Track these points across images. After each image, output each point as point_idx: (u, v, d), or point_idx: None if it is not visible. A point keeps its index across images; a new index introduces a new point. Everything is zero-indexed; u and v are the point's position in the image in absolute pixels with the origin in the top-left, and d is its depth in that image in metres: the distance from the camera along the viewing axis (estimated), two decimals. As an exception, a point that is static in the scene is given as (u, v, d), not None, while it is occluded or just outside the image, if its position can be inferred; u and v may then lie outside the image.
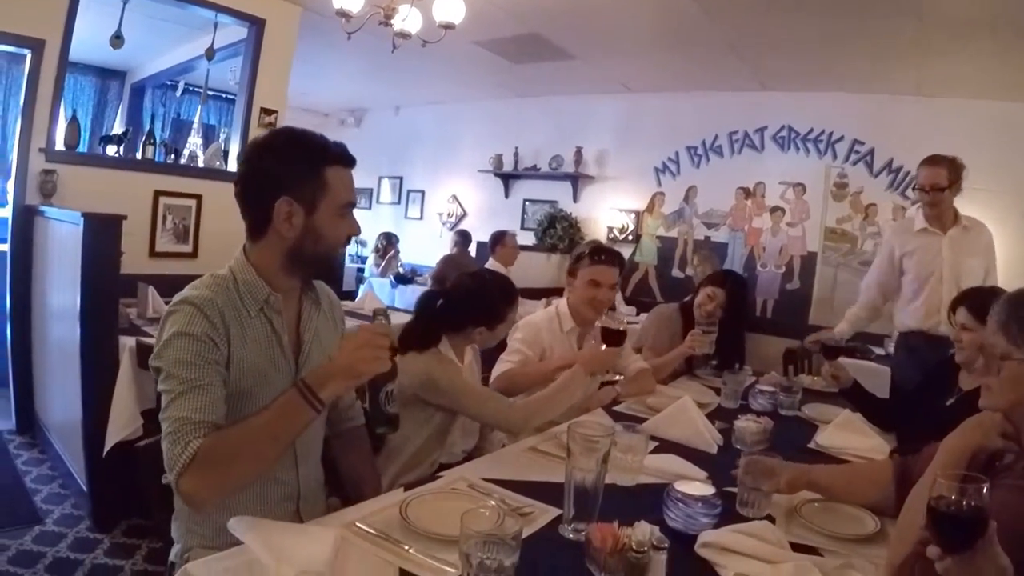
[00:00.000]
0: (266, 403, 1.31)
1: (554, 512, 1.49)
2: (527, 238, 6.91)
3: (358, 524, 1.32)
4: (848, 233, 5.59)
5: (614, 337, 2.30)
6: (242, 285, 1.40)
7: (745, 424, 2.18)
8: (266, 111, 4.56)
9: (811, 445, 2.23)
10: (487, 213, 7.54)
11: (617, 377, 2.69)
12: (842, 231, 5.60)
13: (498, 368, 2.47)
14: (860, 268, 5.48)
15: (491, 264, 5.59)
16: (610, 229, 6.78)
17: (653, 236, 6.58)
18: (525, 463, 1.85)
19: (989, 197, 4.96)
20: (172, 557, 1.45)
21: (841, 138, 5.59)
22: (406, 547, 1.24)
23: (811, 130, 5.70)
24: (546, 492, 1.59)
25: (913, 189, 3.35)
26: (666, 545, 1.23)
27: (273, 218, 1.37)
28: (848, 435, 2.25)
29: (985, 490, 1.04)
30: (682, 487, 1.47)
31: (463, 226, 7.48)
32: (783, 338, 5.17)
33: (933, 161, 3.19)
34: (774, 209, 5.89)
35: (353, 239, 1.53)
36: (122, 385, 2.80)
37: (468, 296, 2.19)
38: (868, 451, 2.17)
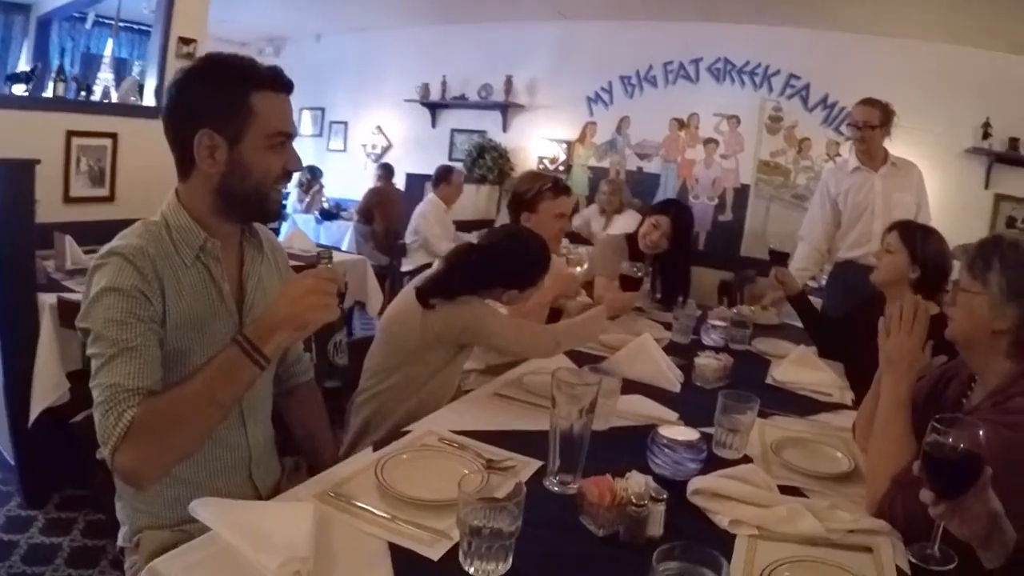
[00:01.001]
0: (206, 359, 1.18)
1: (535, 464, 1.43)
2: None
3: (332, 494, 1.20)
4: (781, 166, 5.66)
5: (633, 283, 2.58)
6: (175, 231, 1.24)
7: (706, 361, 2.16)
8: (184, 40, 4.14)
9: (768, 381, 2.25)
10: (413, 144, 7.27)
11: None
12: (775, 164, 5.67)
13: None
14: (792, 201, 5.61)
15: (430, 201, 5.37)
16: (540, 159, 6.66)
17: (584, 167, 6.50)
18: (492, 411, 1.77)
19: (923, 136, 5.10)
20: (121, 541, 1.30)
21: (777, 72, 5.59)
22: (391, 516, 1.14)
23: (747, 63, 5.67)
24: (521, 442, 1.52)
25: (848, 126, 3.51)
26: (664, 496, 1.19)
27: (195, 153, 1.20)
28: (803, 370, 2.27)
29: (981, 434, 1.02)
30: (667, 432, 1.42)
31: (388, 158, 7.21)
32: (716, 270, 5.23)
33: (868, 102, 3.39)
34: (708, 141, 5.89)
35: None
36: (44, 347, 2.53)
37: (506, 255, 2.02)
38: (823, 385, 2.20)
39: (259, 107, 1.21)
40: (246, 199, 1.26)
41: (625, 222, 5.10)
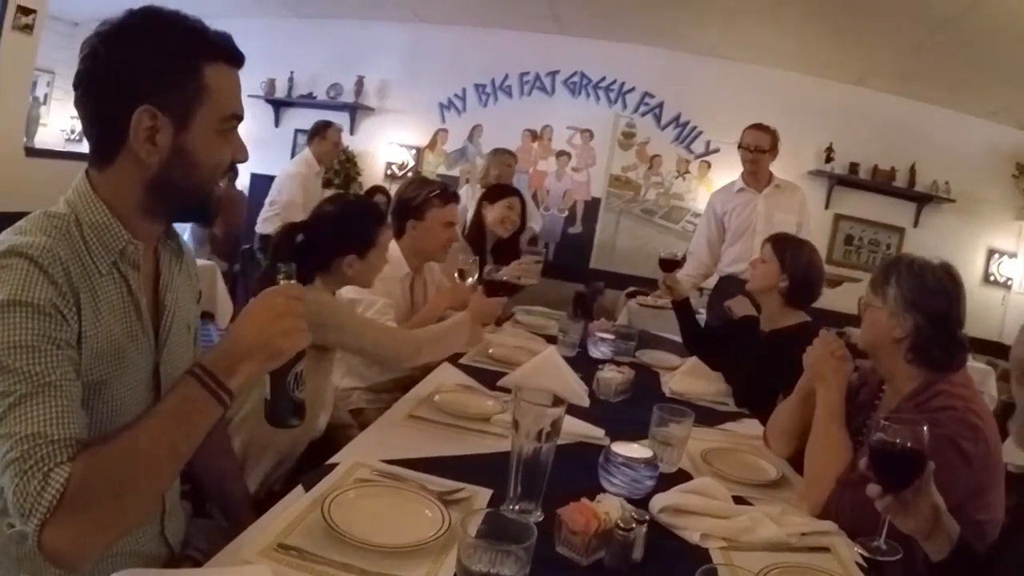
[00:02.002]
0: (125, 396, 0.97)
1: (486, 492, 1.33)
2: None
3: (280, 548, 1.01)
4: (632, 181, 5.90)
5: (502, 288, 2.29)
6: (89, 229, 0.97)
7: (611, 375, 2.16)
8: (23, 10, 3.54)
9: (666, 392, 2.29)
10: (254, 143, 6.27)
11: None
12: (626, 179, 5.91)
13: None
14: (642, 216, 5.88)
15: (303, 159, 4.93)
16: (388, 165, 6.44)
17: (434, 174, 6.36)
18: (415, 436, 1.63)
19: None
20: None
21: (632, 89, 5.82)
22: (360, 570, 0.98)
23: (603, 78, 5.86)
24: (462, 468, 1.42)
25: (740, 149, 3.65)
26: (647, 517, 1.15)
27: (129, 135, 0.96)
28: (698, 381, 2.35)
29: (925, 431, 1.09)
30: (621, 450, 1.38)
31: (226, 157, 6.64)
32: (565, 282, 5.32)
33: (759, 127, 3.62)
34: (560, 153, 6.01)
35: None
36: None
37: (332, 222, 1.88)
38: (719, 395, 2.29)
39: (213, 82, 0.99)
40: (186, 195, 1.03)
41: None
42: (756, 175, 3.63)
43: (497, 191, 3.41)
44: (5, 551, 0.96)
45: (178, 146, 0.99)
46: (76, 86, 0.98)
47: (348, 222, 1.88)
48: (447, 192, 2.55)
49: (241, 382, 0.95)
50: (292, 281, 1.05)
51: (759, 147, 3.56)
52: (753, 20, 4.75)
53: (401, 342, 1.91)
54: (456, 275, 2.50)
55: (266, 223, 4.85)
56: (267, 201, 4.92)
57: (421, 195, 2.50)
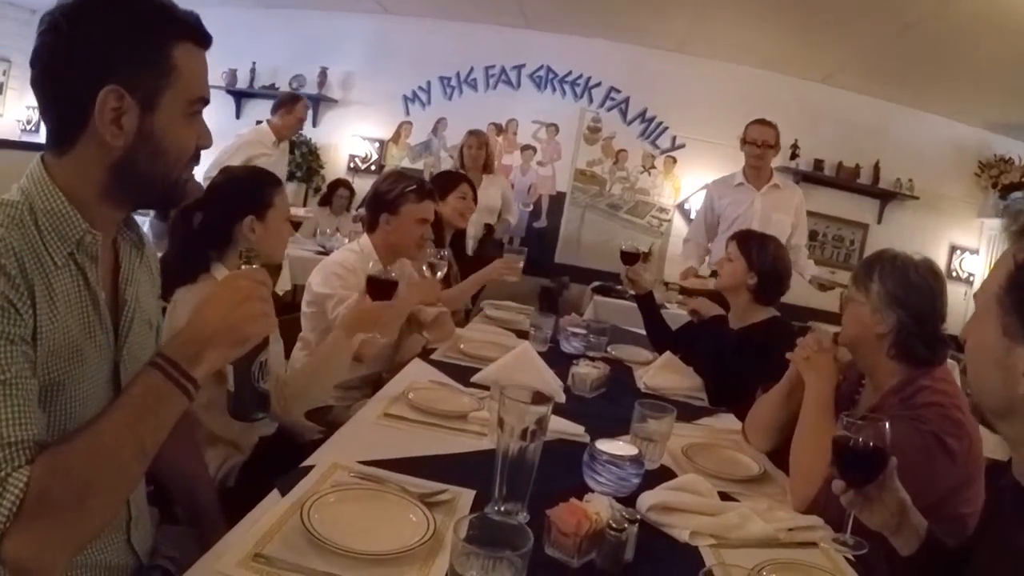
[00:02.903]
0: (83, 396, 0.91)
1: (469, 493, 1.29)
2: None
3: (260, 558, 0.96)
4: (598, 176, 5.93)
5: (383, 289, 1.89)
6: (44, 217, 0.91)
7: (586, 370, 2.14)
8: None
9: (640, 387, 2.28)
10: (215, 135, 6.00)
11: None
12: (592, 174, 5.93)
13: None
14: (607, 210, 5.90)
15: (258, 129, 4.67)
16: (352, 158, 6.36)
17: (397, 167, 6.28)
18: (391, 435, 1.58)
19: (733, 153, 5.58)
20: None
21: (598, 84, 5.84)
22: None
23: (569, 72, 5.87)
24: (441, 468, 1.37)
25: (746, 144, 3.61)
26: (638, 517, 1.12)
27: (93, 117, 0.89)
28: (673, 376, 2.34)
29: (887, 428, 1.11)
30: (606, 447, 1.36)
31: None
32: (531, 276, 5.31)
33: (764, 122, 3.58)
34: (525, 148, 6.00)
35: None
36: None
37: (223, 191, 1.83)
38: (693, 390, 2.29)
39: (181, 63, 0.93)
40: (151, 182, 0.97)
41: None
42: (759, 171, 3.62)
43: (444, 183, 3.27)
44: None
45: (145, 129, 0.93)
46: (33, 64, 0.91)
47: (239, 185, 1.85)
48: (424, 188, 2.49)
49: (207, 371, 0.90)
50: (256, 265, 1.01)
51: (765, 142, 3.54)
52: (720, 17, 4.79)
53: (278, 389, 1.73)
54: (425, 269, 2.45)
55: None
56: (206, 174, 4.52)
57: (396, 189, 2.45)
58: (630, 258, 2.93)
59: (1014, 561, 0.92)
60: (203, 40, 0.99)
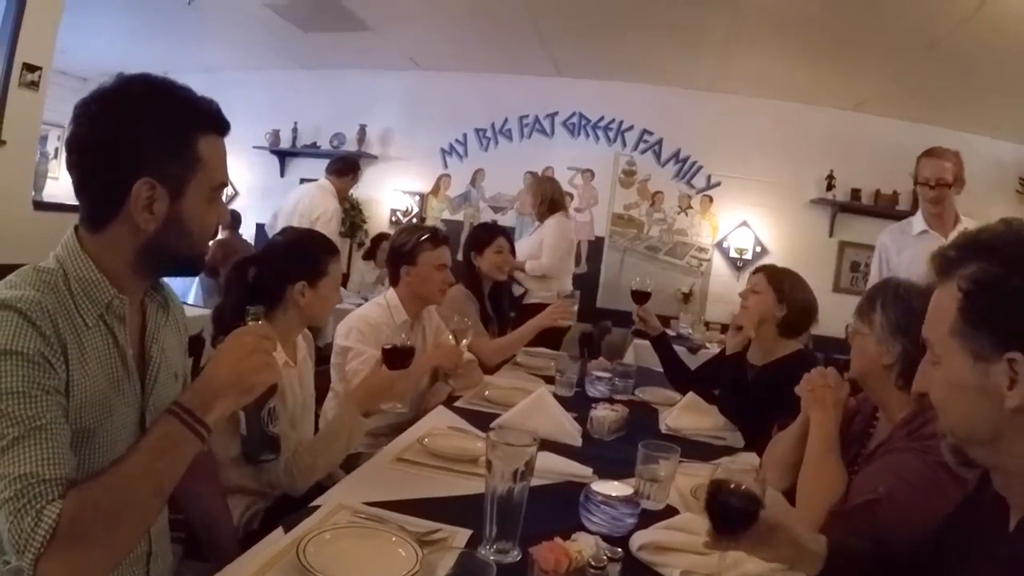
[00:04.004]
0: (112, 442, 1.02)
1: (465, 532, 1.32)
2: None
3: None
4: (635, 219, 5.97)
5: (400, 358, 1.84)
6: (76, 283, 1.03)
7: (603, 413, 2.14)
8: (29, 67, 3.66)
9: (662, 429, 2.26)
10: (260, 193, 6.84)
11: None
12: (629, 217, 5.97)
13: (355, 379, 2.18)
14: (646, 253, 5.92)
15: (325, 186, 4.82)
16: (393, 212, 6.55)
17: (438, 220, 6.45)
18: (400, 478, 1.63)
19: (768, 188, 5.67)
20: None
21: (631, 127, 5.93)
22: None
23: (602, 118, 5.97)
24: (442, 509, 1.41)
25: (918, 186, 2.90)
26: (621, 555, 1.14)
27: (127, 204, 1.02)
28: (695, 416, 2.32)
29: (753, 482, 1.08)
30: (601, 488, 1.38)
31: (235, 206, 6.76)
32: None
33: (936, 153, 2.88)
34: (562, 194, 6.07)
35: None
36: None
37: (281, 252, 1.90)
38: (715, 430, 2.26)
39: (206, 155, 1.06)
40: (176, 258, 1.09)
41: None
42: (941, 216, 2.86)
43: (480, 237, 3.31)
44: None
45: (173, 214, 1.05)
46: (69, 149, 1.03)
47: (297, 250, 1.90)
48: (437, 235, 2.58)
49: (217, 416, 1.01)
50: (261, 321, 1.11)
51: (941, 180, 2.79)
52: (746, 53, 4.82)
53: (288, 462, 1.71)
54: (451, 336, 2.49)
55: None
56: (295, 217, 4.66)
57: (411, 240, 2.54)
58: (640, 297, 2.94)
59: (1000, 571, 0.90)
60: (223, 128, 1.11)
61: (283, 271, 1.84)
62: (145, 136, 1.01)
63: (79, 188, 1.05)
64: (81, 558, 0.88)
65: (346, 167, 4.98)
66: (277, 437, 1.11)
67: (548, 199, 4.56)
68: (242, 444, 1.10)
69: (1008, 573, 0.88)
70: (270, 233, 4.92)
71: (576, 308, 2.99)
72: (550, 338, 3.38)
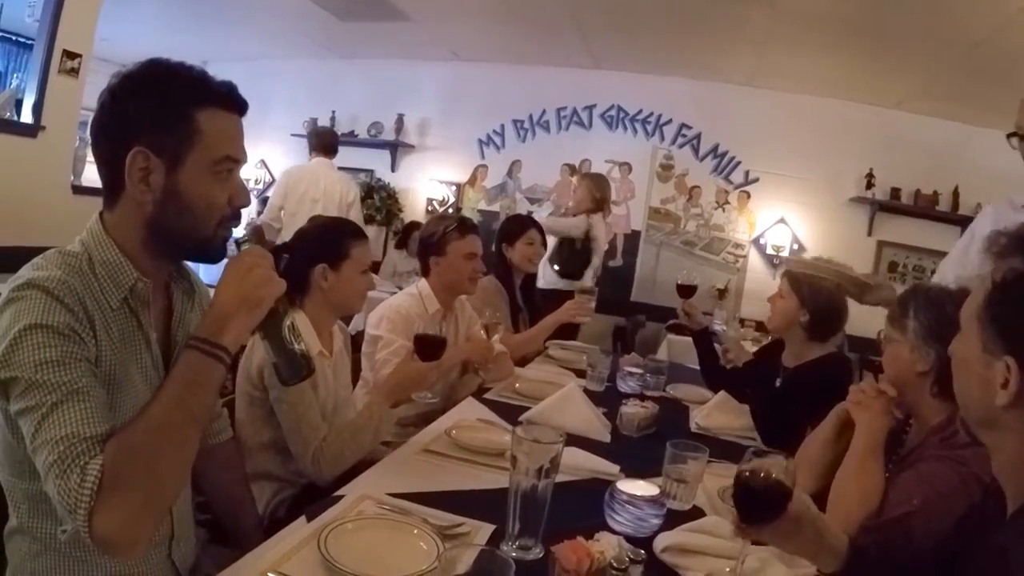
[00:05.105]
0: (127, 419, 1.01)
1: (488, 527, 1.32)
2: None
3: (278, 573, 1.03)
4: (672, 213, 5.90)
5: (432, 349, 1.82)
6: (100, 267, 1.05)
7: (633, 410, 2.12)
8: (69, 54, 3.74)
9: (692, 427, 2.24)
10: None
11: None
12: (666, 211, 5.91)
13: (383, 368, 2.20)
14: (682, 247, 5.85)
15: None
16: (430, 201, 6.58)
17: (474, 210, 6.47)
18: (426, 469, 1.63)
19: (807, 185, 5.56)
20: None
21: (669, 121, 5.86)
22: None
23: (640, 111, 5.91)
24: (466, 503, 1.41)
25: (1010, 135, 2.10)
26: (643, 557, 1.12)
27: (126, 176, 1.03)
28: (727, 415, 2.29)
29: (785, 467, 1.09)
30: (626, 488, 1.36)
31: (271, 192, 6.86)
32: (607, 315, 5.27)
33: None
34: (599, 187, 6.02)
35: None
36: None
37: (307, 237, 1.94)
38: (746, 430, 2.23)
39: (206, 126, 1.05)
40: (181, 237, 1.09)
41: None
42: None
43: (512, 228, 3.30)
44: (20, 568, 1.02)
45: (170, 186, 1.04)
46: (90, 131, 1.06)
47: (320, 233, 1.94)
48: (465, 224, 2.58)
49: (234, 338, 1.02)
50: (253, 246, 1.10)
51: None
52: (785, 48, 4.73)
53: (304, 444, 1.70)
54: (482, 331, 2.50)
55: None
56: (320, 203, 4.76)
57: (439, 231, 2.55)
58: (686, 291, 2.92)
59: (995, 558, 0.90)
60: (234, 106, 1.10)
61: (306, 255, 1.87)
62: (140, 107, 1.03)
63: (97, 167, 1.08)
64: (128, 504, 0.90)
65: (335, 141, 4.98)
66: (306, 353, 1.11)
67: (600, 199, 4.55)
68: (276, 372, 1.10)
69: (1001, 561, 0.88)
70: (264, 222, 4.92)
71: (594, 304, 2.97)
72: (566, 332, 3.37)
